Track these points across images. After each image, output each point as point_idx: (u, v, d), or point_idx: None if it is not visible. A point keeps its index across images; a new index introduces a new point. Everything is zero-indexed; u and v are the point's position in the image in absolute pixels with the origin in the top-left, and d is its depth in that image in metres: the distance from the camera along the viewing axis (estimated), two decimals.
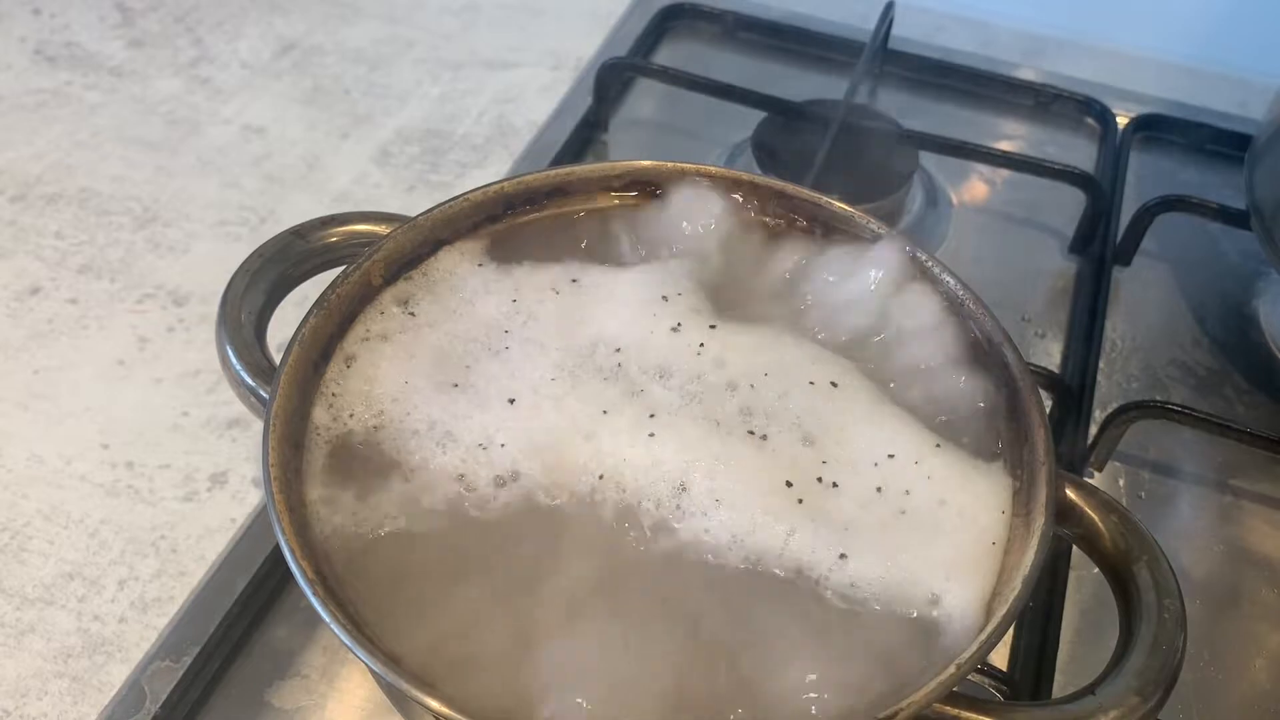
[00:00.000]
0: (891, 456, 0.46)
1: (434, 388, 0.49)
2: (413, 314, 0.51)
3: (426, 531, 0.45)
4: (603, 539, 0.45)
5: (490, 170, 0.90)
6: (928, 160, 0.87)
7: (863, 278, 0.52)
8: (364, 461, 0.47)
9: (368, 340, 0.50)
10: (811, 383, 0.49)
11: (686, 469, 0.46)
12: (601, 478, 0.46)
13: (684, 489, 0.46)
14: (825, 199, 0.55)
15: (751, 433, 0.48)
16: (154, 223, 0.84)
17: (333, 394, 0.48)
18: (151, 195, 0.86)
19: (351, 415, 0.48)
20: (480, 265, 0.54)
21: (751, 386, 0.49)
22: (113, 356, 0.75)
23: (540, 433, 0.47)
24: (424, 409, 0.48)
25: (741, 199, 0.56)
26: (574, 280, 0.53)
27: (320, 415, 0.47)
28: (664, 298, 0.52)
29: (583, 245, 0.56)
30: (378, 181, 0.88)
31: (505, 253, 0.55)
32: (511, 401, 0.48)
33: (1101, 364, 0.76)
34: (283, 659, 0.59)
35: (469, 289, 0.53)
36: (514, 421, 0.48)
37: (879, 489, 0.45)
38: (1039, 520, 0.43)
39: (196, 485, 0.68)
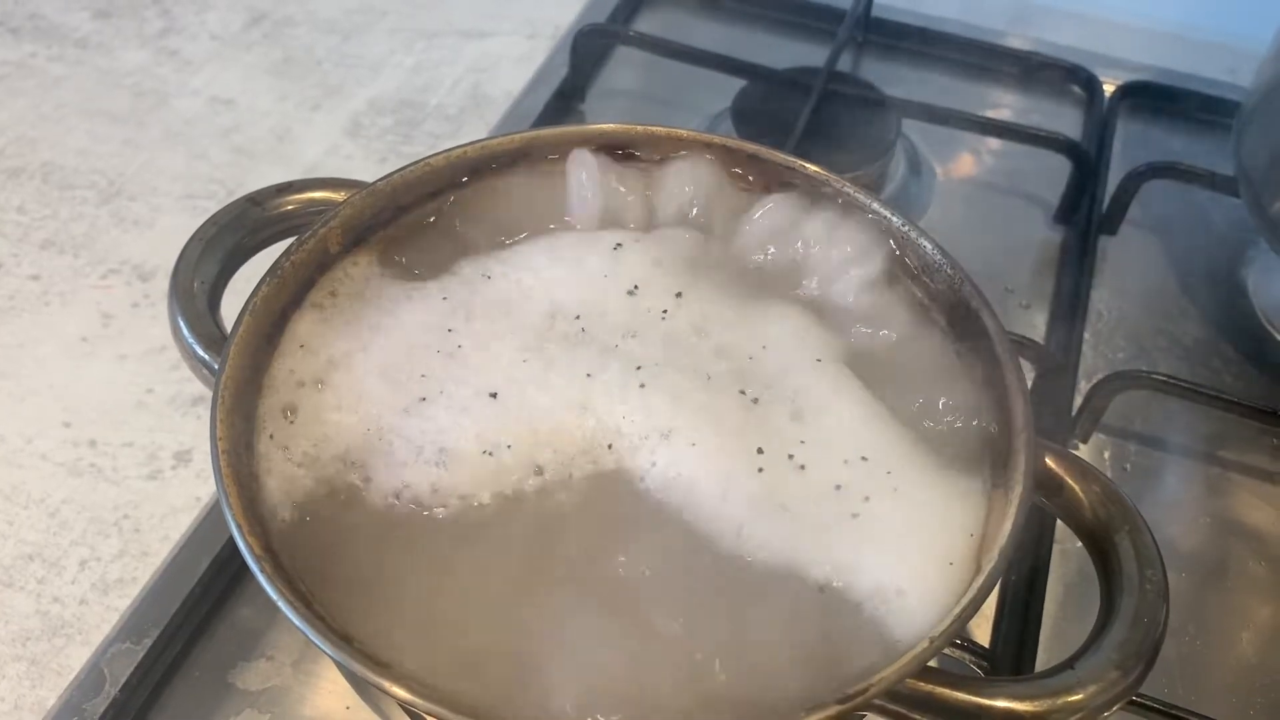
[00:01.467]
0: (865, 459, 0.45)
1: (400, 412, 0.45)
2: (331, 342, 0.47)
3: (409, 527, 0.43)
4: (613, 512, 0.44)
5: (464, 141, 0.88)
6: (911, 129, 0.85)
7: (838, 243, 0.51)
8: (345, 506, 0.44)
9: (302, 386, 0.46)
10: (819, 359, 0.48)
11: (674, 418, 0.45)
12: (610, 447, 0.45)
13: (667, 435, 0.45)
14: (799, 162, 0.53)
15: (743, 393, 0.46)
16: (119, 196, 0.82)
17: (284, 448, 0.44)
18: (117, 169, 0.84)
19: (314, 477, 0.44)
20: (393, 268, 0.50)
21: (750, 358, 0.48)
22: (76, 333, 0.73)
23: (539, 418, 0.45)
24: (400, 439, 0.45)
25: (714, 162, 0.54)
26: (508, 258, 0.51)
27: (282, 466, 0.44)
28: (617, 251, 0.50)
29: (529, 216, 0.53)
30: (349, 153, 0.86)
31: (429, 241, 0.52)
32: (494, 395, 0.46)
33: (1087, 334, 0.74)
34: (247, 640, 0.58)
35: (388, 298, 0.49)
36: (506, 416, 0.45)
37: (838, 487, 0.44)
38: (1017, 489, 0.42)
39: (160, 463, 0.67)
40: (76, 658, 0.58)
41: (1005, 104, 0.92)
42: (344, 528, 0.42)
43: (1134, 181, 0.80)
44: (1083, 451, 0.68)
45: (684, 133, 0.55)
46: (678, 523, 0.43)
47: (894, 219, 0.51)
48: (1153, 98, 0.92)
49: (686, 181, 0.53)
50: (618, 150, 0.55)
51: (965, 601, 0.39)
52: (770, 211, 0.52)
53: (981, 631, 0.59)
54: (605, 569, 0.42)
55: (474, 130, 0.88)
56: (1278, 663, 0.60)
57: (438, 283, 0.50)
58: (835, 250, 0.51)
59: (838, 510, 0.43)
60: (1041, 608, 0.59)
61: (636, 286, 0.49)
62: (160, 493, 0.65)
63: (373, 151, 0.87)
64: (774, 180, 0.54)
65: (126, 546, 0.63)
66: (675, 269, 0.50)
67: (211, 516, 0.61)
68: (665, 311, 0.49)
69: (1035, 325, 0.75)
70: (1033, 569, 0.60)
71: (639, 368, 0.46)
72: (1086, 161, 0.81)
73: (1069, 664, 0.40)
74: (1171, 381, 0.67)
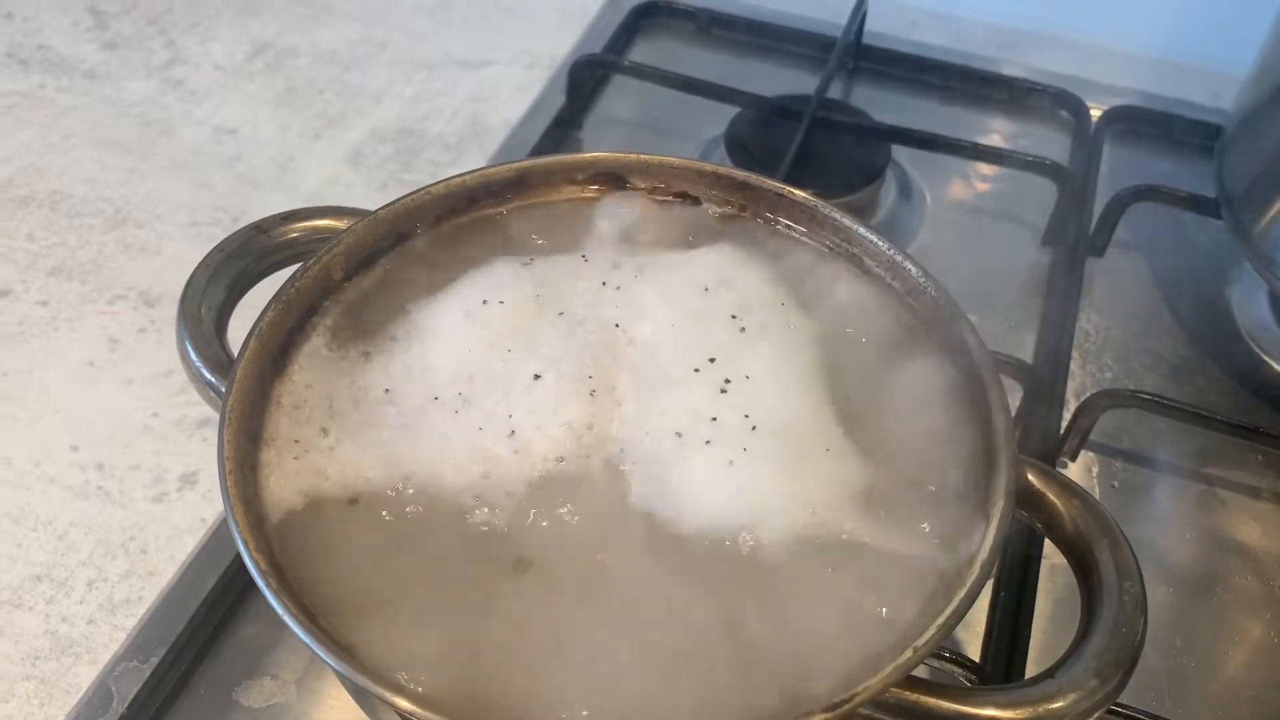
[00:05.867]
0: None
1: (479, 478, 0.46)
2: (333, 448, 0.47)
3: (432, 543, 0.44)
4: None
5: (464, 169, 0.90)
6: (901, 155, 0.87)
7: (824, 265, 0.52)
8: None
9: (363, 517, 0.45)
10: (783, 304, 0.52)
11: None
12: (597, 376, 0.48)
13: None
14: (788, 189, 0.54)
15: (734, 317, 0.50)
16: (125, 224, 0.84)
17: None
18: (123, 197, 0.86)
19: None
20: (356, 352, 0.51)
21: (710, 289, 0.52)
22: (83, 358, 0.75)
23: (570, 412, 0.47)
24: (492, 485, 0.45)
25: (704, 189, 0.56)
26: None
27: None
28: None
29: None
30: (350, 181, 0.88)
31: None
32: (512, 434, 0.47)
33: (1075, 354, 0.76)
34: (252, 658, 0.59)
35: (361, 381, 0.49)
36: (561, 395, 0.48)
37: (731, 461, 0.46)
38: (999, 504, 0.43)
39: (166, 486, 0.68)
40: (84, 676, 0.59)
41: (995, 129, 0.94)
42: (354, 545, 0.44)
43: (1119, 204, 0.81)
44: (1071, 469, 0.70)
45: (674, 160, 0.56)
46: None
47: (880, 244, 0.53)
48: (1139, 122, 0.93)
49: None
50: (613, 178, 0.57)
51: (948, 612, 0.40)
52: (762, 238, 0.54)
53: (972, 646, 0.60)
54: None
55: (473, 158, 0.90)
56: (1263, 676, 0.61)
57: (381, 353, 0.50)
58: (816, 272, 0.53)
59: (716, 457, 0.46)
60: (1030, 622, 0.60)
61: (585, 256, 0.53)
62: (166, 514, 0.66)
63: (373, 180, 0.88)
64: (761, 206, 0.56)
65: (133, 567, 0.64)
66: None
67: (217, 537, 0.62)
68: (585, 257, 0.53)
69: (1024, 345, 0.76)
70: (1021, 584, 0.61)
71: (604, 283, 0.51)
72: (1073, 184, 0.83)
73: (1050, 673, 0.41)
74: (1157, 400, 0.68)
